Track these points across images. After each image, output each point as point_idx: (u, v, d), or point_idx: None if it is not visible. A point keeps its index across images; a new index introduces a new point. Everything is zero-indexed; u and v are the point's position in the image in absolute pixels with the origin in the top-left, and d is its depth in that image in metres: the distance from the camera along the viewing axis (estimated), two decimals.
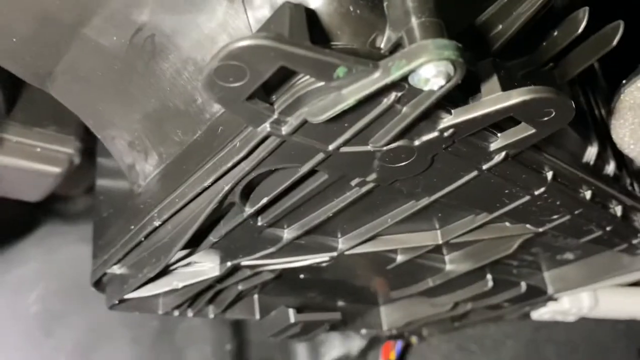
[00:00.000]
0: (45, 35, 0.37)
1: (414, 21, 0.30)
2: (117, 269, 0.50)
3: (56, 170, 0.58)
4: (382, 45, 0.32)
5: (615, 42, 0.44)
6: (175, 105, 0.39)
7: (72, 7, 0.35)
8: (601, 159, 0.53)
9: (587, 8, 0.42)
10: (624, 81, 0.47)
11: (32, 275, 0.75)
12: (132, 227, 0.45)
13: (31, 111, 0.56)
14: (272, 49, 0.27)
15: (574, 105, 0.35)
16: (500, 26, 0.37)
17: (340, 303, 0.70)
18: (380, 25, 0.31)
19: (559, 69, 0.46)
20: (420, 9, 0.30)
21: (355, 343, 0.92)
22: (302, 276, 0.58)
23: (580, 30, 0.42)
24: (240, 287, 0.57)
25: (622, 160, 0.57)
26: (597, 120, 0.53)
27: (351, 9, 0.31)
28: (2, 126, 0.54)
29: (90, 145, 0.61)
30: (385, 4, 0.32)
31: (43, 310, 0.74)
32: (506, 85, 0.34)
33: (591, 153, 0.51)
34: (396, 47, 0.31)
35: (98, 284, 0.52)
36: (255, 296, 0.63)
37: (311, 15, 0.30)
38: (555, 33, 0.44)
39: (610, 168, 0.54)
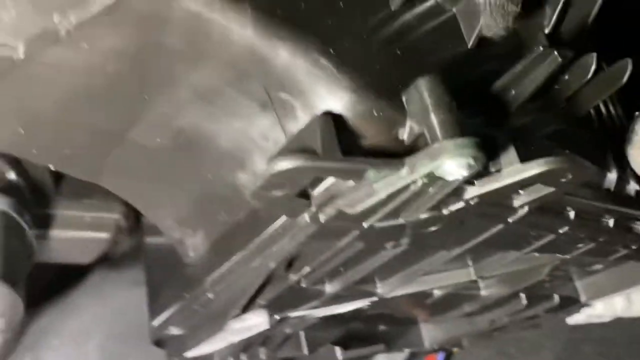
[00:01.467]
0: (94, 143, 0.41)
1: (434, 118, 0.32)
2: (174, 330, 0.53)
3: (105, 235, 0.62)
4: (404, 137, 0.34)
5: (624, 80, 0.45)
6: (218, 192, 0.42)
7: (118, 119, 0.39)
8: (621, 181, 0.55)
9: (595, 54, 0.44)
10: (637, 113, 0.49)
11: (88, 324, 0.79)
12: (186, 295, 0.49)
13: (77, 184, 0.60)
14: (308, 167, 0.30)
15: (590, 165, 0.37)
16: (514, 91, 0.40)
17: (382, 327, 0.74)
18: (400, 119, 0.34)
19: (570, 107, 0.48)
20: (439, 105, 0.33)
21: (398, 356, 0.95)
22: (345, 315, 0.62)
23: (590, 75, 0.44)
24: (287, 331, 0.60)
25: None
26: (613, 145, 0.55)
27: (374, 112, 0.33)
28: (52, 203, 0.58)
29: None
30: (404, 98, 0.34)
31: (102, 358, 0.78)
32: (524, 155, 0.36)
33: (610, 179, 0.53)
34: (418, 138, 0.34)
35: (158, 343, 0.56)
36: (301, 332, 0.67)
37: (338, 121, 0.33)
38: (566, 77, 0.46)
39: (631, 187, 0.56)
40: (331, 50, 0.33)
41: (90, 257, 0.66)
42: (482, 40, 0.41)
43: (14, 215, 0.49)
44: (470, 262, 0.53)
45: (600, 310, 0.73)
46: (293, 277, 0.44)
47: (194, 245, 0.48)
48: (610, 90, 0.46)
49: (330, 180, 0.34)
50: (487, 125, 0.38)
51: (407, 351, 0.77)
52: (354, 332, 0.71)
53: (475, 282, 0.60)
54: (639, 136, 0.48)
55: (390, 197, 0.34)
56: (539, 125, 0.43)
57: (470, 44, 0.41)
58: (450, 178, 0.32)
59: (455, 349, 0.88)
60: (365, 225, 0.38)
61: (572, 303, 0.71)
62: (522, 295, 0.64)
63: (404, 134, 0.34)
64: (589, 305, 0.73)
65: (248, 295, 0.44)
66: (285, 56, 0.32)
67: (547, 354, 0.85)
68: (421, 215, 0.38)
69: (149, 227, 0.61)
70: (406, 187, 0.34)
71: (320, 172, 0.31)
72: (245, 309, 0.48)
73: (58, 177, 0.59)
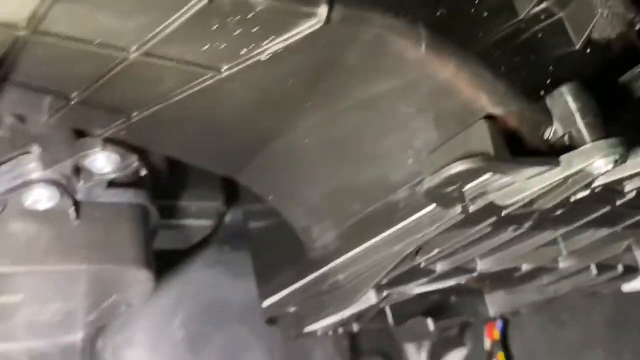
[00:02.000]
0: (249, 145, 0.45)
1: (580, 121, 0.37)
2: (291, 308, 0.59)
3: (208, 223, 0.67)
4: (549, 137, 0.39)
5: None
6: (355, 185, 0.47)
7: (279, 124, 0.43)
8: None
9: None
10: None
11: (173, 303, 0.84)
12: (310, 276, 0.54)
13: (187, 175, 0.64)
14: (485, 167, 0.35)
15: None
16: (629, 89, 0.44)
17: (453, 299, 0.79)
18: (547, 121, 0.38)
19: None
20: (584, 110, 0.37)
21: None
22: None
23: None
24: (381, 305, 0.65)
25: None
26: None
27: (526, 114, 0.38)
28: (167, 194, 0.62)
29: None
30: (547, 102, 0.39)
31: (188, 333, 0.84)
32: None
33: None
34: (562, 138, 0.38)
35: (271, 320, 0.61)
36: (387, 306, 0.72)
37: (498, 123, 0.37)
38: None
39: None
40: (488, 62, 0.38)
41: (191, 243, 0.71)
42: (590, 43, 0.46)
43: (149, 207, 0.53)
44: (560, 239, 0.58)
45: None
46: (419, 259, 0.49)
47: (320, 231, 0.52)
48: None
49: (482, 178, 0.39)
50: (607, 121, 0.43)
51: (472, 319, 0.83)
52: (431, 304, 0.76)
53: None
54: None
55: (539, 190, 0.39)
56: None
57: (578, 45, 0.45)
58: (596, 172, 0.37)
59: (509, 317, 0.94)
60: (503, 213, 0.42)
61: (632, 271, 0.76)
62: (593, 266, 0.69)
63: (549, 134, 0.39)
64: None
65: (379, 277, 0.49)
66: (452, 68, 0.37)
67: (597, 318, 0.90)
68: (552, 204, 0.42)
69: (251, 212, 0.66)
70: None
71: (494, 170, 0.35)
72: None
73: (172, 170, 0.63)
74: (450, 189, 0.37)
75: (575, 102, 0.37)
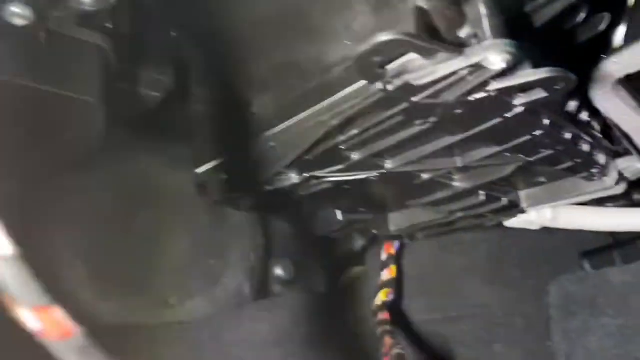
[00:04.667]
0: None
1: (487, 24, 0.46)
2: (221, 175, 0.66)
3: (158, 95, 0.73)
4: (462, 36, 0.48)
5: None
6: (298, 62, 0.55)
7: None
8: (580, 108, 0.72)
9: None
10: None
11: (106, 178, 0.89)
12: (245, 144, 0.62)
13: (145, 47, 0.70)
14: (406, 41, 0.43)
15: (576, 79, 0.53)
16: (534, 17, 0.54)
17: (361, 209, 0.89)
18: (462, 21, 0.48)
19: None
20: (491, 14, 0.46)
21: (358, 242, 1.12)
22: (346, 187, 0.76)
23: None
24: (301, 193, 0.74)
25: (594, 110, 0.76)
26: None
27: (447, 12, 0.47)
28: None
29: None
30: (465, 6, 0.48)
31: (116, 208, 0.89)
32: (536, 65, 0.51)
33: (572, 105, 0.69)
34: (472, 38, 0.48)
35: (200, 187, 0.69)
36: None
37: (424, 15, 0.46)
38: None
39: (583, 115, 0.73)
40: None
41: (137, 111, 0.76)
42: None
43: (111, 55, 0.58)
44: (457, 151, 0.68)
45: (533, 217, 0.92)
46: (341, 137, 0.58)
47: (260, 104, 0.60)
48: None
49: (403, 60, 0.48)
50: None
51: (374, 232, 0.93)
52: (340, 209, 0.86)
53: (451, 173, 0.76)
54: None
55: (445, 77, 0.48)
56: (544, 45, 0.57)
57: None
58: (492, 67, 0.47)
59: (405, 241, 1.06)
60: (414, 99, 0.51)
61: (514, 207, 0.88)
62: (482, 193, 0.81)
63: (463, 34, 0.48)
64: (525, 212, 0.91)
65: (305, 147, 0.57)
66: None
67: (481, 252, 1.04)
68: (455, 97, 0.52)
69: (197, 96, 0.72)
70: (456, 72, 0.48)
71: (413, 46, 0.44)
72: (298, 159, 0.61)
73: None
74: (376, 59, 0.45)
75: (486, 9, 0.47)
